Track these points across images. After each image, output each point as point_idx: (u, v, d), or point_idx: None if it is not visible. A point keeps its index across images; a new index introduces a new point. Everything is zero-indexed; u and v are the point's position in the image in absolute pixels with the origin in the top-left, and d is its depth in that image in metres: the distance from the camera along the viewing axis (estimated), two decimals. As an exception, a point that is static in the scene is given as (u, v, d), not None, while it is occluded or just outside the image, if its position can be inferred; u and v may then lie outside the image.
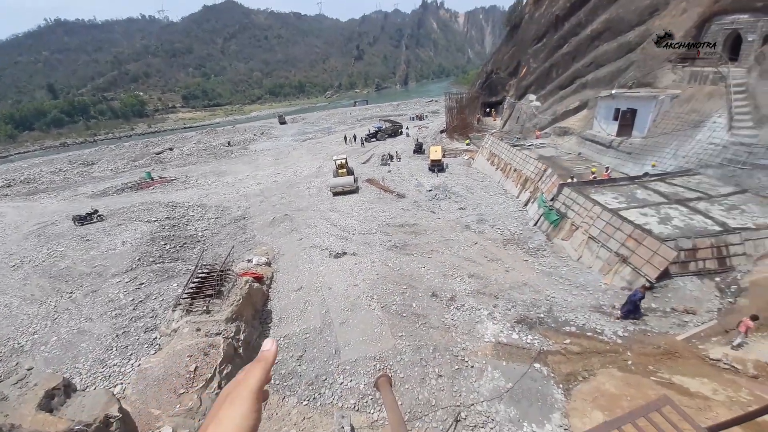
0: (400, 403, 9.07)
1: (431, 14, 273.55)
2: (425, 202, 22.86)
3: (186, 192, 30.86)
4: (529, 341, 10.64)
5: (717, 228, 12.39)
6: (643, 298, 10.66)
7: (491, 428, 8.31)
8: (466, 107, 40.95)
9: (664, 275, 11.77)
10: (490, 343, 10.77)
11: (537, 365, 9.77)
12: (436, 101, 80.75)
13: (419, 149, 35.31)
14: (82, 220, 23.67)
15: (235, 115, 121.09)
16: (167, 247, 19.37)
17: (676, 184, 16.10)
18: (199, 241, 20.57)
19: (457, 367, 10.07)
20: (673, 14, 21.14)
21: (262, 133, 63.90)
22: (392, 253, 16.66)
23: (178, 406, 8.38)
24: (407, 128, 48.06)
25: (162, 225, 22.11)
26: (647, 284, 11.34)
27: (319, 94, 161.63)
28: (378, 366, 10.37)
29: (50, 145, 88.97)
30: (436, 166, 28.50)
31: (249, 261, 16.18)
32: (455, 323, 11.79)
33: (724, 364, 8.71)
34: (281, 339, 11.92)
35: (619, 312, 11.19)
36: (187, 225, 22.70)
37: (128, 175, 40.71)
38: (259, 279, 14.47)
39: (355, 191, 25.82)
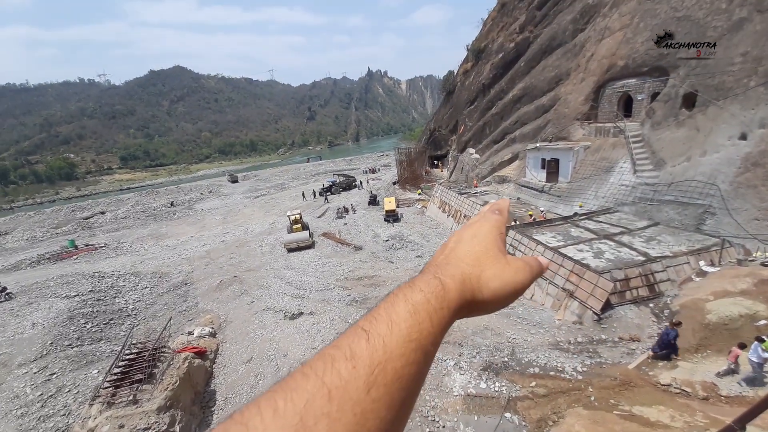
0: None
1: (376, 81, 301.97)
2: (383, 252, 22.85)
3: (117, 259, 27.67)
4: (497, 389, 10.33)
5: (642, 258, 13.85)
6: (677, 336, 9.81)
7: (470, 498, 7.54)
8: (415, 160, 43.84)
9: (607, 306, 12.57)
10: (459, 397, 10.26)
11: (508, 414, 9.40)
12: (387, 155, 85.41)
13: (374, 201, 36.20)
14: (-20, 301, 19.78)
15: (180, 174, 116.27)
16: (88, 326, 16.61)
17: (601, 221, 18.07)
18: (129, 316, 18.00)
19: (428, 430, 9.32)
20: (574, 83, 25.59)
21: (210, 191, 61.53)
22: (352, 308, 15.95)
23: None
24: (361, 181, 49.58)
25: (84, 300, 19.19)
26: (676, 320, 10.40)
27: (271, 152, 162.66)
28: (342, 441, 9.21)
29: (-50, 216, 76.52)
30: (391, 216, 29.20)
31: (190, 333, 14.36)
32: (422, 379, 11.16)
33: (675, 388, 9.12)
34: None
35: (650, 351, 10.46)
36: (115, 297, 19.94)
37: (47, 245, 35.79)
38: (201, 354, 12.77)
39: (310, 246, 25.13)
